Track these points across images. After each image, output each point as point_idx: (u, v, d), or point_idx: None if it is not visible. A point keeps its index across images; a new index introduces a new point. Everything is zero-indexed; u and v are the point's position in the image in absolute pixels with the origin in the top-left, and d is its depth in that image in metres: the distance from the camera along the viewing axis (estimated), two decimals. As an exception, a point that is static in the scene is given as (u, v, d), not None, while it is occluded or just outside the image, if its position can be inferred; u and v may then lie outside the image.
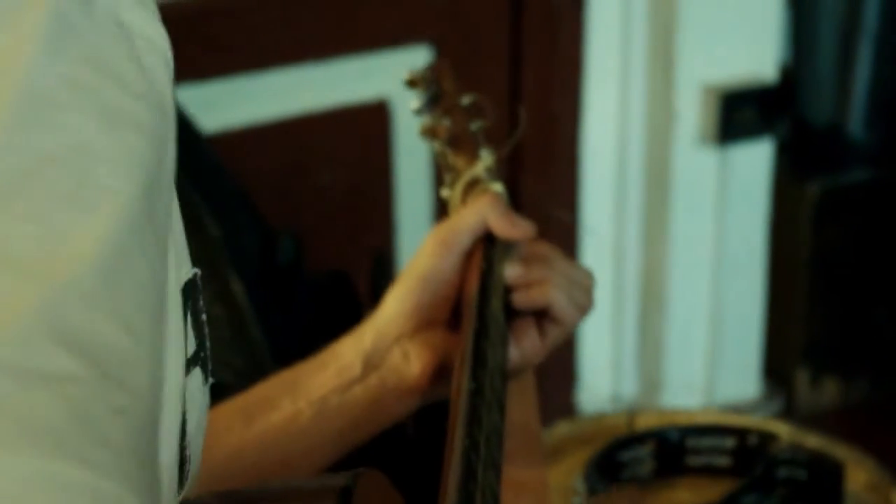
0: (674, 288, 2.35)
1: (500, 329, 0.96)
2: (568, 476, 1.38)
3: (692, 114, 2.24)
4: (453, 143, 1.14)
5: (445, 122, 1.15)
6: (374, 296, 1.86)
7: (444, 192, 1.14)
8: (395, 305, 1.01)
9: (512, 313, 1.00)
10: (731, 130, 2.24)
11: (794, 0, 2.55)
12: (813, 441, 1.42)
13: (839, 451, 1.39)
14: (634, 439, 1.39)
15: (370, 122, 2.10)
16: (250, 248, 1.70)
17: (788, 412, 2.49)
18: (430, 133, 1.16)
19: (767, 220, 2.37)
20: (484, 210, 1.02)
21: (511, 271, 1.00)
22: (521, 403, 0.96)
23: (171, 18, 2.01)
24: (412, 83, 1.18)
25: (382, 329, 1.00)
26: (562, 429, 1.48)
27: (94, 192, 0.50)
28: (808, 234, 2.47)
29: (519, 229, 1.03)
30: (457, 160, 1.13)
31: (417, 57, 2.12)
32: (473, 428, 0.80)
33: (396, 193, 2.13)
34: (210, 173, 1.71)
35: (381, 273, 1.92)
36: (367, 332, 1.00)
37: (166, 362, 0.55)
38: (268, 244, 1.75)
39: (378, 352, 0.99)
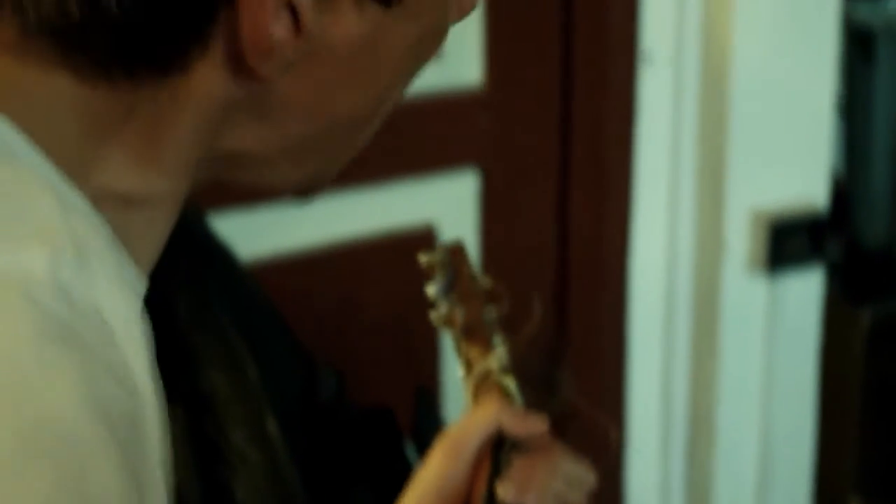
0: (723, 415, 2.31)
1: None
2: None
3: (741, 241, 2.21)
4: (467, 332, 1.12)
5: (460, 310, 1.13)
6: (418, 433, 1.83)
7: (460, 374, 1.12)
8: None
9: None
10: (781, 258, 2.21)
11: (847, 115, 2.53)
12: None
13: None
14: None
15: (417, 247, 2.08)
16: (290, 384, 1.68)
17: (840, 543, 2.44)
18: (445, 322, 1.14)
19: (818, 347, 2.33)
20: (494, 413, 1.03)
21: (504, 489, 0.99)
22: None
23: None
24: (429, 268, 1.16)
25: None
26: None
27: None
28: (860, 360, 2.43)
29: (531, 426, 1.04)
30: (470, 350, 1.11)
31: (465, 182, 2.11)
32: None
33: (441, 323, 2.11)
34: (250, 306, 1.70)
35: (425, 409, 1.89)
36: None
37: None
38: (309, 379, 1.73)
39: None
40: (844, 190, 2.55)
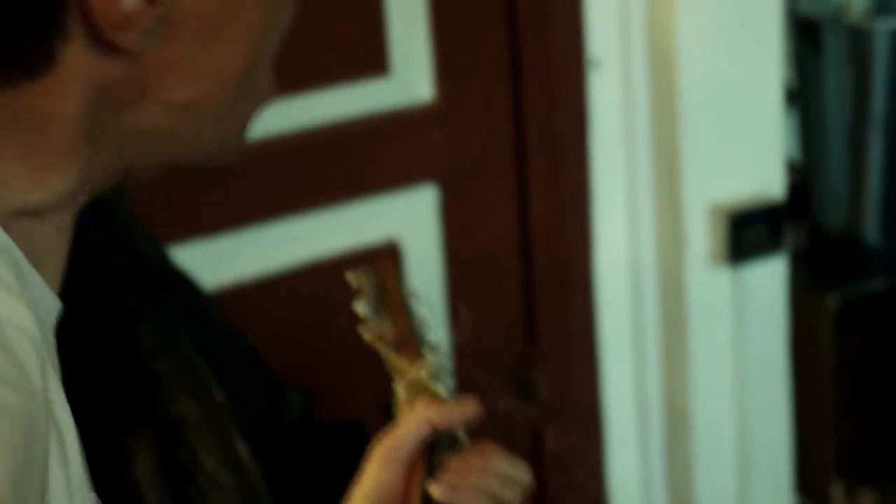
0: (698, 409, 2.34)
1: None
2: None
3: (702, 235, 2.25)
4: (397, 345, 1.15)
5: (389, 325, 1.16)
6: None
7: (398, 389, 1.15)
8: None
9: None
10: (742, 250, 2.24)
11: (801, 105, 2.57)
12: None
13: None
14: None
15: (381, 264, 2.11)
16: (258, 406, 1.71)
17: (824, 526, 2.47)
18: (374, 337, 1.17)
19: (786, 334, 2.36)
20: (423, 414, 1.05)
21: (436, 488, 1.02)
22: None
23: (175, 177, 2.03)
24: (358, 286, 1.18)
25: None
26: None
27: None
28: (830, 344, 2.46)
29: (462, 411, 1.06)
30: (401, 361, 1.14)
31: (424, 196, 2.14)
32: None
33: (408, 336, 2.14)
34: (213, 332, 1.73)
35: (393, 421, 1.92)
36: None
37: None
38: (277, 400, 1.76)
39: None
40: (803, 178, 2.59)
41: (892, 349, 2.51)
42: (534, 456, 2.30)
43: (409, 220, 2.14)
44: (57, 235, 0.70)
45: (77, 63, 0.66)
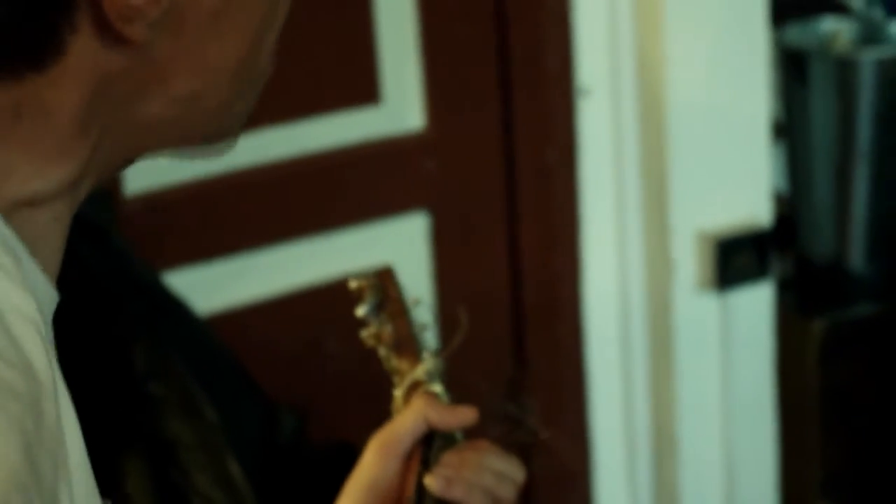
0: (685, 433, 2.37)
1: None
2: None
3: (689, 262, 2.28)
4: (397, 347, 1.18)
5: (389, 328, 1.19)
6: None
7: (397, 390, 1.18)
8: None
9: None
10: (729, 276, 2.27)
11: (788, 136, 2.60)
12: None
13: None
14: None
15: (372, 290, 2.14)
16: (249, 426, 1.74)
17: (810, 550, 2.49)
18: (374, 340, 1.20)
19: (772, 360, 2.39)
20: (421, 409, 1.07)
21: (432, 481, 1.04)
22: None
23: (171, 200, 2.07)
24: (358, 292, 1.21)
25: None
26: None
27: None
28: (815, 370, 2.49)
29: (459, 416, 1.08)
30: (400, 363, 1.17)
31: (415, 223, 2.17)
32: None
33: (400, 360, 2.17)
34: (206, 354, 1.76)
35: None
36: None
37: None
38: (268, 420, 1.78)
39: None
40: (790, 208, 2.62)
41: (877, 374, 2.54)
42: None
43: (400, 247, 2.17)
44: (54, 225, 0.71)
45: (84, 54, 0.67)
